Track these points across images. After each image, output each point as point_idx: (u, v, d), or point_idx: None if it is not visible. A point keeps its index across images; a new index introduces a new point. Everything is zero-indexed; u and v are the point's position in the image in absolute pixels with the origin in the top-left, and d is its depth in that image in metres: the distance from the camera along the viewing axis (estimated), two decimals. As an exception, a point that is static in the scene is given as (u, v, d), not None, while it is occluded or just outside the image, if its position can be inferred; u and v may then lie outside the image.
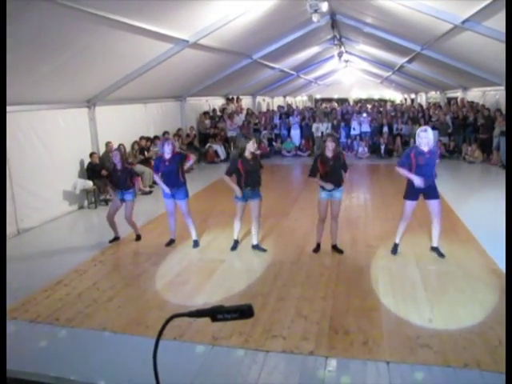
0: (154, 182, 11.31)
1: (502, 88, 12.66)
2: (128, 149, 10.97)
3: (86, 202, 9.40)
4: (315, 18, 8.22)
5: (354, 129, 15.96)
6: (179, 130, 14.10)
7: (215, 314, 1.46)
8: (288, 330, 4.18)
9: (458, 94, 17.64)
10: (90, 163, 9.40)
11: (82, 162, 9.48)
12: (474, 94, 16.02)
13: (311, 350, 3.86)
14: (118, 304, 4.86)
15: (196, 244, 6.64)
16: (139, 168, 10.81)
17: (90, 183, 9.19)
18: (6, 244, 6.39)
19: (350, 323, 4.29)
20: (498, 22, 7.08)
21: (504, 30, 7.35)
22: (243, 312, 1.47)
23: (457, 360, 3.63)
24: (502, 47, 7.95)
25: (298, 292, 5.04)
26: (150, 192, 10.63)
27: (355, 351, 3.83)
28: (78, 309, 4.76)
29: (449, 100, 19.04)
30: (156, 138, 12.32)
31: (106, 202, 9.59)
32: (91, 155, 9.41)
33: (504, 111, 12.27)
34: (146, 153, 11.26)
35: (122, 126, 10.99)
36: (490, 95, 14.43)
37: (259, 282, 5.33)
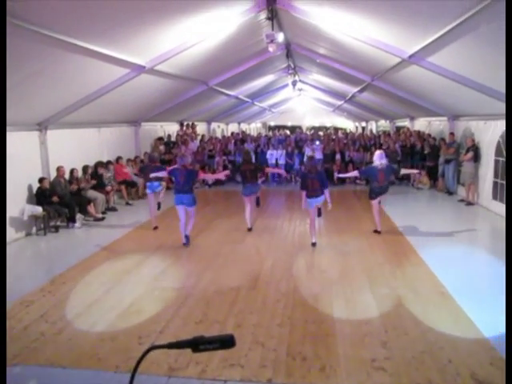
0: (107, 209, 11.07)
1: (445, 119, 13.41)
2: (80, 173, 10.68)
3: (34, 229, 9.02)
4: (271, 48, 8.43)
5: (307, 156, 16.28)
6: (136, 157, 13.96)
7: (197, 344, 1.45)
8: (245, 358, 4.13)
9: (406, 123, 18.50)
10: (39, 188, 9.07)
11: (30, 187, 9.13)
12: (421, 124, 16.85)
13: (269, 377, 3.83)
14: (67, 336, 4.64)
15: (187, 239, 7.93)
16: (91, 194, 10.54)
17: (39, 209, 8.84)
18: (5, 246, 5.93)
19: (306, 349, 4.30)
20: (441, 58, 7.57)
21: (446, 66, 7.86)
22: (225, 342, 1.48)
23: (410, 381, 3.71)
24: (444, 81, 8.50)
25: (255, 319, 5.01)
26: (103, 219, 10.35)
27: (313, 377, 3.83)
28: (24, 344, 4.48)
29: (397, 129, 19.90)
30: (109, 162, 12.09)
31: (56, 228, 9.25)
32: (41, 180, 9.09)
33: (447, 140, 12.94)
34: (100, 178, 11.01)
35: (75, 150, 10.73)
36: (435, 125, 15.22)
37: (215, 310, 5.26)
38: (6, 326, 3.08)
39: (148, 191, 9.29)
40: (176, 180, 7.80)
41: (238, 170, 9.26)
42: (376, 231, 8.59)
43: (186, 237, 7.93)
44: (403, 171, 10.23)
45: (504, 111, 8.43)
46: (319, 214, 8.02)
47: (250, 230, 8.90)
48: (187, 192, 7.67)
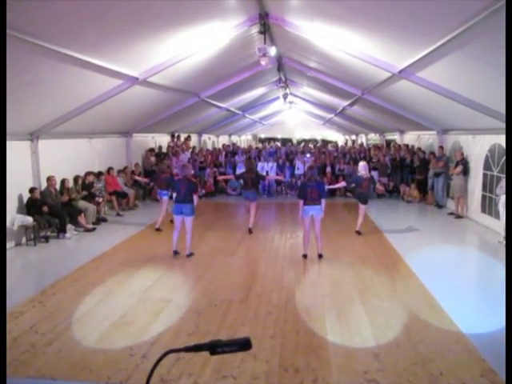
0: (98, 220, 10.99)
1: (435, 132, 13.59)
2: (71, 184, 10.62)
3: (24, 239, 8.93)
4: (263, 61, 8.52)
5: (298, 168, 16.38)
6: (125, 168, 13.91)
7: (214, 347, 1.47)
8: (238, 370, 4.12)
9: (396, 136, 18.69)
10: (30, 198, 9.00)
11: (20, 197, 9.06)
12: (410, 137, 17.05)
13: (262, 389, 3.82)
14: (58, 348, 4.59)
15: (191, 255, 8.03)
16: (82, 204, 10.48)
17: (29, 219, 8.76)
18: (5, 247, 5.81)
19: (299, 361, 4.30)
20: (430, 73, 7.71)
21: (435, 81, 8.00)
22: (242, 345, 1.51)
23: (403, 394, 3.73)
24: (434, 96, 8.64)
25: (247, 331, 5.00)
26: (94, 229, 10.28)
27: (305, 389, 3.83)
28: (13, 356, 4.39)
29: (387, 142, 20.09)
30: (100, 173, 12.06)
31: (47, 238, 9.16)
32: (32, 190, 9.03)
33: (436, 153, 13.10)
34: (90, 189, 10.96)
35: (66, 160, 10.68)
36: (425, 139, 15.41)
37: (207, 322, 5.24)
38: (5, 338, 3.06)
39: (164, 197, 10.55)
40: (177, 190, 7.99)
41: (242, 176, 10.48)
42: (357, 232, 9.73)
43: (189, 254, 8.00)
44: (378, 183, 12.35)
45: (492, 126, 8.65)
46: (320, 256, 7.87)
47: (250, 231, 9.87)
48: (188, 202, 7.84)
